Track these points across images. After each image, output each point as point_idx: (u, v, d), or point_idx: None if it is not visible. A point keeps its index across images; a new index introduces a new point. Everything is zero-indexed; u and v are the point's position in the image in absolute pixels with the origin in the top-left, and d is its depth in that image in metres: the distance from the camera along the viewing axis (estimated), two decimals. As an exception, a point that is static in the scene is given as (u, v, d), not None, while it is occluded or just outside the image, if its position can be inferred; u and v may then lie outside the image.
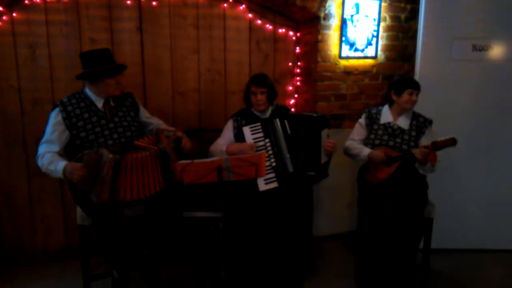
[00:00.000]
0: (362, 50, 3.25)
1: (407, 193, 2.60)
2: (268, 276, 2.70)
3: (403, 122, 2.73)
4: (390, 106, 2.80)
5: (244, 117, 2.78)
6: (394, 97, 2.75)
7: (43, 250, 3.07)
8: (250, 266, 2.71)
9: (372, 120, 2.80)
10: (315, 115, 2.66)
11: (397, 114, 2.76)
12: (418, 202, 2.59)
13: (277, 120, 2.64)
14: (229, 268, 2.71)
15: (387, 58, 3.36)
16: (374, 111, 2.83)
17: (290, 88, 3.48)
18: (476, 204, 3.21)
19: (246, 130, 2.67)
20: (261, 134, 2.66)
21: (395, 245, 2.65)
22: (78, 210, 2.44)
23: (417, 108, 2.84)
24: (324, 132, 2.59)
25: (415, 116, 2.76)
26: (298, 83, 3.48)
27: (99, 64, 2.33)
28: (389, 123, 2.75)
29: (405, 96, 2.68)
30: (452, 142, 2.47)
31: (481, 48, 3.05)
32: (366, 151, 2.69)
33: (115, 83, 2.38)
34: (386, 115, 2.78)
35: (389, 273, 2.73)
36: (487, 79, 3.08)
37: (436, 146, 2.48)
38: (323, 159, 2.60)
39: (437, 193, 2.96)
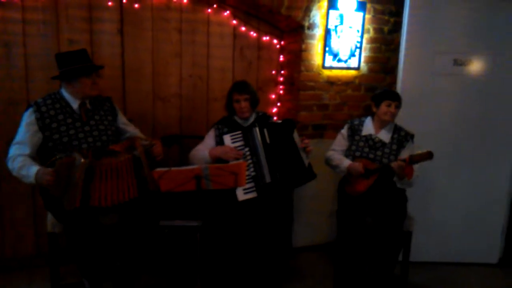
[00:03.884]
0: (345, 61, 3.25)
1: (387, 206, 2.60)
2: (246, 287, 2.65)
3: (384, 135, 2.74)
4: (372, 118, 2.81)
5: (226, 124, 2.74)
6: (374, 109, 2.77)
7: (11, 257, 2.93)
8: (228, 276, 2.65)
9: (354, 131, 2.80)
10: (281, 120, 2.66)
11: (379, 126, 2.77)
12: (397, 215, 2.58)
13: (256, 128, 2.60)
14: (206, 278, 2.64)
15: (370, 69, 3.37)
16: (356, 122, 2.83)
17: (273, 96, 3.46)
18: (455, 217, 3.23)
19: (227, 139, 2.63)
20: (242, 143, 2.61)
21: (374, 257, 2.63)
22: (49, 216, 2.34)
23: (398, 121, 2.85)
24: (296, 135, 2.57)
25: (397, 130, 2.76)
26: (281, 92, 3.46)
27: (75, 63, 2.28)
28: (370, 135, 2.75)
29: (382, 107, 2.70)
30: (428, 155, 2.49)
31: (461, 63, 3.09)
32: (346, 163, 2.69)
33: (91, 83, 2.32)
34: (368, 127, 2.79)
35: (367, 285, 2.71)
36: (467, 93, 3.12)
37: (413, 159, 2.50)
38: (306, 161, 2.57)
39: (416, 206, 2.97)
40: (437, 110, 3.12)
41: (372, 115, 2.82)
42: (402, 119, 2.92)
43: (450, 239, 3.25)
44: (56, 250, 2.37)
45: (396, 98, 2.69)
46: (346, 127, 2.86)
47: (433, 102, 3.11)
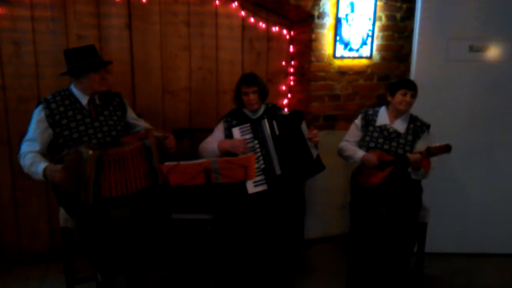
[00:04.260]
0: (357, 50, 3.18)
1: (401, 197, 2.54)
2: (258, 279, 2.64)
3: (400, 126, 2.66)
4: (387, 108, 2.74)
5: (235, 117, 2.72)
6: (389, 98, 2.69)
7: (27, 252, 2.99)
8: (239, 269, 2.64)
9: (368, 122, 2.73)
10: (289, 112, 2.61)
11: (394, 116, 2.69)
12: (412, 207, 2.52)
13: (265, 120, 2.57)
14: (218, 271, 2.64)
15: (382, 58, 3.29)
16: (370, 112, 2.76)
17: (284, 88, 3.41)
18: (471, 207, 3.16)
19: (236, 132, 2.60)
20: (251, 135, 2.59)
21: (389, 249, 2.59)
22: (61, 211, 2.36)
23: (412, 109, 2.78)
24: (303, 126, 2.53)
25: (413, 120, 2.68)
26: (292, 83, 3.41)
27: (83, 59, 2.28)
28: (385, 125, 2.68)
29: (398, 96, 2.61)
30: (446, 149, 2.41)
31: (478, 49, 2.99)
32: (360, 153, 2.63)
33: (100, 78, 2.32)
34: (383, 117, 2.71)
35: (382, 278, 2.67)
36: (484, 81, 3.02)
37: (431, 152, 2.42)
38: (314, 153, 2.53)
39: (432, 196, 2.91)
40: (452, 98, 3.03)
41: (387, 104, 2.74)
42: (416, 107, 2.84)
43: (467, 229, 3.18)
44: (69, 245, 2.40)
45: (412, 87, 2.61)
46: (360, 117, 2.78)
47: (448, 90, 3.02)
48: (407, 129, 2.65)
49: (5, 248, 2.94)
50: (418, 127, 2.65)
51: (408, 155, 2.48)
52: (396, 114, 2.68)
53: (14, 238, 2.95)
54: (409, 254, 2.57)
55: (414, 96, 2.62)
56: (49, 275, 2.82)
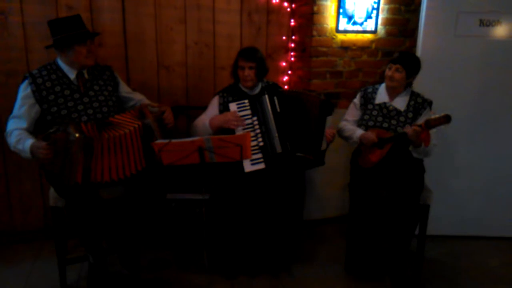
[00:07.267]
0: (361, 24, 3.03)
1: (403, 178, 2.45)
2: (254, 261, 2.58)
3: (400, 103, 2.55)
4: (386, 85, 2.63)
5: (231, 93, 2.61)
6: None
7: (21, 230, 2.93)
8: (235, 250, 2.58)
9: (367, 100, 2.63)
10: (322, 98, 2.39)
11: (393, 94, 2.58)
12: (414, 188, 2.44)
13: (266, 96, 2.47)
14: (213, 252, 2.58)
15: (388, 33, 3.14)
16: (370, 90, 2.65)
17: (284, 64, 3.28)
18: (475, 189, 3.07)
19: (233, 107, 2.50)
20: (248, 112, 2.49)
21: (389, 231, 2.52)
22: (51, 190, 2.29)
23: (418, 86, 2.67)
24: (329, 119, 2.40)
25: (414, 97, 2.57)
26: (292, 59, 3.27)
27: (68, 30, 2.14)
28: (384, 103, 2.57)
29: (386, 71, 2.52)
30: (446, 119, 2.28)
31: (488, 23, 2.84)
32: (358, 132, 2.54)
33: (86, 51, 2.18)
34: (382, 95, 2.60)
35: (381, 261, 2.61)
36: (493, 57, 2.88)
37: (430, 124, 2.30)
38: (324, 145, 2.44)
39: (434, 178, 2.83)
40: (460, 75, 2.90)
41: None
42: (423, 84, 2.73)
43: (469, 212, 3.10)
44: (60, 224, 2.33)
45: (397, 61, 2.47)
46: (358, 95, 2.68)
47: (456, 67, 2.89)
48: (408, 106, 2.55)
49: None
50: (419, 103, 2.55)
51: (407, 130, 2.36)
52: (394, 91, 2.56)
53: (8, 216, 2.88)
54: (410, 236, 2.51)
55: (399, 70, 2.47)
56: (42, 254, 2.77)
